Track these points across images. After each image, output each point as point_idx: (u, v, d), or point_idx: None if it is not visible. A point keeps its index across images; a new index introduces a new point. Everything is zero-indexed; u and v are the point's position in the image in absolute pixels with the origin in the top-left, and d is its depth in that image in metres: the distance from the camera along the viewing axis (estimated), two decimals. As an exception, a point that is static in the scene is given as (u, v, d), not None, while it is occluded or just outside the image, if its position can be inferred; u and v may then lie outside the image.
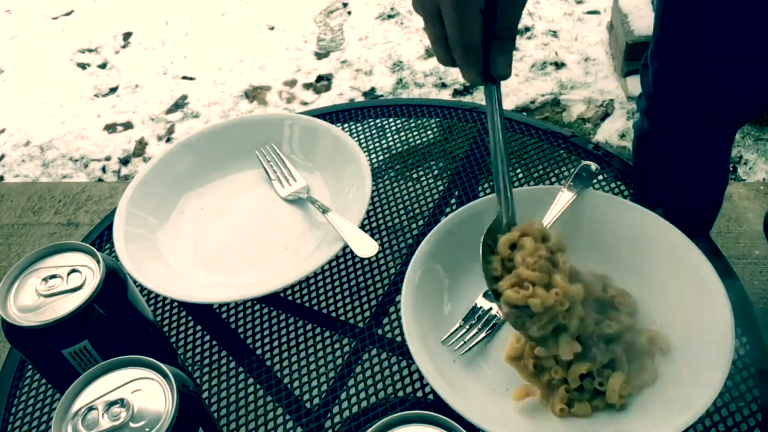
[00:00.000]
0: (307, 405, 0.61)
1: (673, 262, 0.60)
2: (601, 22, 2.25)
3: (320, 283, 0.70)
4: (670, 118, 0.96)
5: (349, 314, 0.67)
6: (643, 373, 0.55)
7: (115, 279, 0.51)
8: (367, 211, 0.72)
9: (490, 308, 0.62)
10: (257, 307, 0.69)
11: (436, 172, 0.81)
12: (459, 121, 0.87)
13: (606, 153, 0.79)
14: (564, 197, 0.65)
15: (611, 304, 0.58)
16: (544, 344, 0.53)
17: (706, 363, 0.53)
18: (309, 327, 0.66)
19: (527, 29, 2.27)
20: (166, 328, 0.69)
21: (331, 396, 0.61)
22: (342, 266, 0.71)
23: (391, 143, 0.85)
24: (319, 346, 0.65)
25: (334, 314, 0.67)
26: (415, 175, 0.81)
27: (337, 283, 0.70)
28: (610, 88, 2.03)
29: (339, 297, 0.68)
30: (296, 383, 0.62)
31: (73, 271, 0.50)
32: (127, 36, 2.59)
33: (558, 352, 0.53)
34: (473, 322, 0.61)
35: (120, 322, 0.51)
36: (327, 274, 0.71)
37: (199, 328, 0.68)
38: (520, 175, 0.78)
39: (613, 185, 0.75)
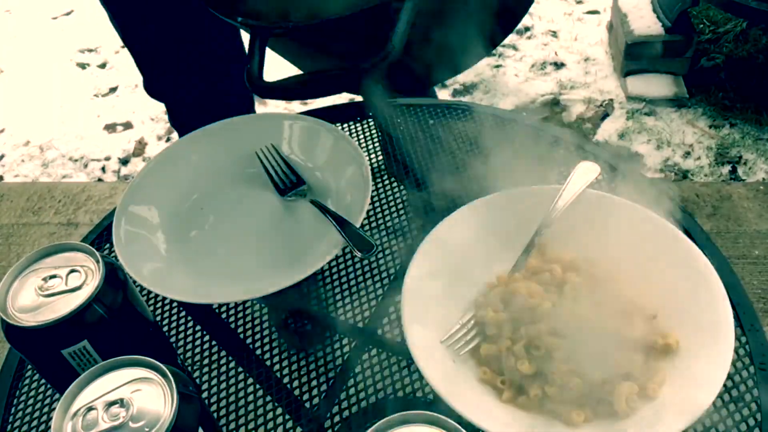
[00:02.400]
0: (307, 405, 0.61)
1: (673, 262, 0.60)
2: (601, 22, 2.25)
3: (320, 283, 0.70)
4: None
5: (349, 314, 0.67)
6: (654, 377, 0.54)
7: (114, 279, 0.51)
8: (367, 211, 0.72)
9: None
10: (257, 307, 0.69)
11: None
12: (459, 121, 0.87)
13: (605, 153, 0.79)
14: (563, 197, 0.65)
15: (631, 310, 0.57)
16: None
17: (706, 363, 0.53)
18: (309, 327, 0.66)
19: (527, 29, 2.27)
20: (166, 328, 0.69)
21: (331, 396, 0.61)
22: (342, 266, 0.71)
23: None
24: (319, 346, 0.65)
25: (334, 314, 0.67)
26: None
27: (337, 283, 0.70)
28: (609, 88, 2.03)
29: (339, 297, 0.68)
30: (296, 383, 0.62)
31: (73, 271, 0.50)
32: (126, 36, 2.58)
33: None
34: (473, 321, 0.60)
35: (120, 322, 0.51)
36: (327, 274, 0.71)
37: (199, 328, 0.68)
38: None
39: (612, 185, 0.75)
